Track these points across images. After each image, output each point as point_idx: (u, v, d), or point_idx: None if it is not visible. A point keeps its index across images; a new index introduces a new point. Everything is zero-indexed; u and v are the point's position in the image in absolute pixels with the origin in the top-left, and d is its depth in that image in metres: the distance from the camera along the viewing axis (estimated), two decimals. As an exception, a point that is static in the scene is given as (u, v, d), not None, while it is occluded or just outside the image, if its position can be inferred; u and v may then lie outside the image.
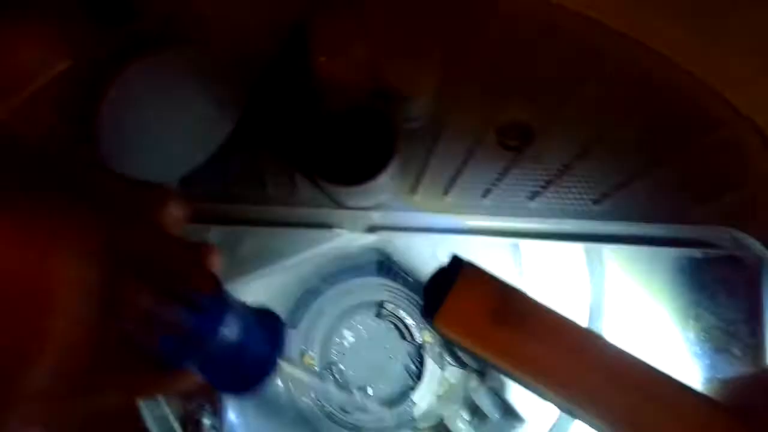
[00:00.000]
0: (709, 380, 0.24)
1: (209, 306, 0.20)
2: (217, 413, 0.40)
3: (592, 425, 0.21)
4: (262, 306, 0.23)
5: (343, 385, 0.53)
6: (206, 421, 0.39)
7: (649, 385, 0.20)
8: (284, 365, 0.23)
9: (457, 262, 0.21)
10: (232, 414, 0.40)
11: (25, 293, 0.14)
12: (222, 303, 0.20)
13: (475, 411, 0.47)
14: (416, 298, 0.51)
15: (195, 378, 0.21)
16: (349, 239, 0.42)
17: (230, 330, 0.20)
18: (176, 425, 0.39)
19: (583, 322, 0.39)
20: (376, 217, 0.38)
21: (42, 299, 0.15)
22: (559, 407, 0.22)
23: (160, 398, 0.39)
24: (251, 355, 0.21)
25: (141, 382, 0.20)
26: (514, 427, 0.39)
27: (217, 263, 0.22)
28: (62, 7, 0.34)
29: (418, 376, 0.52)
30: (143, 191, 0.21)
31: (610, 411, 0.20)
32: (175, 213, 0.21)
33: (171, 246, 0.20)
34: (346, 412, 0.52)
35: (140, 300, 0.18)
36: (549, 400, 0.21)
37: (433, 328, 0.21)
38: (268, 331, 0.22)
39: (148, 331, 0.18)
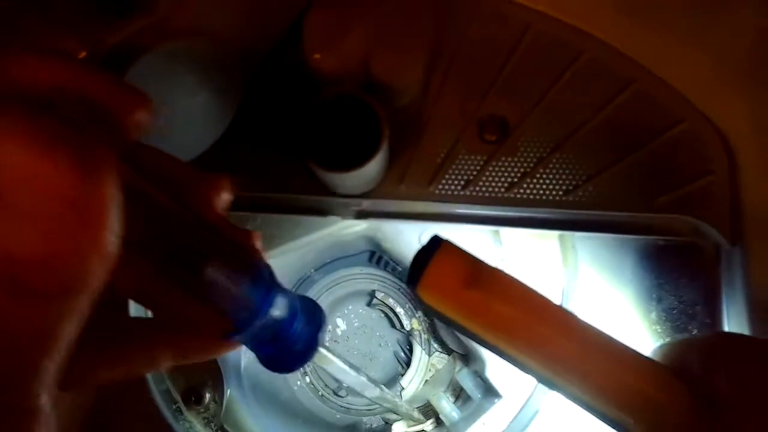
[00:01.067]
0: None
1: (266, 286, 0.21)
2: (218, 388, 0.42)
3: (550, 384, 0.23)
4: (302, 295, 0.25)
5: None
6: (207, 395, 0.42)
7: (596, 340, 0.23)
8: (322, 349, 0.25)
9: (436, 240, 0.23)
10: (231, 389, 0.42)
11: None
12: (275, 285, 0.22)
13: (459, 393, 0.50)
14: (405, 287, 0.54)
15: (236, 346, 0.23)
16: (340, 227, 0.44)
17: (280, 311, 0.22)
18: (179, 398, 0.42)
19: (557, 301, 0.42)
20: (366, 204, 0.40)
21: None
22: (523, 369, 0.24)
23: (164, 373, 0.42)
24: (297, 336, 0.23)
25: (191, 346, 0.22)
26: (492, 403, 0.42)
27: (260, 247, 0.23)
28: (76, 1, 0.36)
29: (407, 362, 0.55)
30: (203, 176, 0.22)
31: (563, 362, 0.22)
32: (226, 198, 0.22)
33: (232, 229, 0.22)
34: (339, 395, 0.55)
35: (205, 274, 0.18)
36: (513, 363, 0.24)
37: (416, 295, 0.23)
38: (310, 315, 0.24)
39: (208, 303, 0.19)
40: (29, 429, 0.14)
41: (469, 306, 0.22)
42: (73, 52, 0.42)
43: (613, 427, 0.23)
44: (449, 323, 0.24)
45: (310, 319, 0.24)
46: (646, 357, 0.23)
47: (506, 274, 0.23)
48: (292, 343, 0.23)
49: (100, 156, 0.14)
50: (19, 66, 0.16)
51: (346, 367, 0.30)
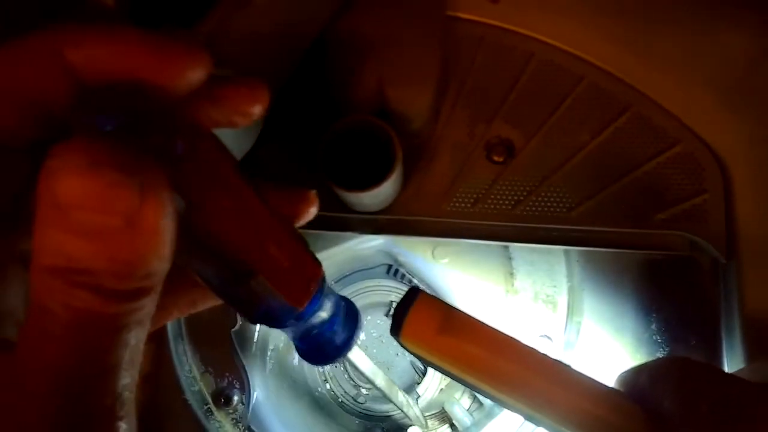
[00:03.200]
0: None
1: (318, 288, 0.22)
2: (245, 391, 0.45)
3: (524, 416, 0.26)
4: (342, 295, 0.26)
5: (355, 380, 0.58)
6: (235, 397, 0.45)
7: (557, 373, 0.25)
8: (356, 348, 0.27)
9: (413, 293, 0.26)
10: (258, 392, 0.46)
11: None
12: (324, 286, 0.23)
13: (474, 398, 0.52)
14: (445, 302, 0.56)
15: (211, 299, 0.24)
16: (359, 242, 0.47)
17: (326, 312, 0.23)
18: (209, 399, 0.45)
19: (562, 314, 0.44)
20: (383, 221, 0.43)
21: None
22: (498, 404, 0.27)
23: (197, 375, 0.45)
24: (336, 334, 0.24)
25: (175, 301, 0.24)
26: (502, 409, 0.44)
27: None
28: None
29: (423, 371, 0.57)
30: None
31: (528, 396, 0.25)
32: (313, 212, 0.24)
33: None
34: (358, 402, 0.57)
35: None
36: (488, 397, 0.26)
37: (399, 343, 0.26)
38: (349, 315, 0.25)
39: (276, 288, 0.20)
40: (115, 415, 0.16)
41: (443, 350, 0.25)
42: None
43: None
44: (431, 366, 0.26)
45: (349, 318, 0.25)
46: (602, 384, 0.25)
47: (475, 319, 0.26)
48: (330, 339, 0.24)
49: (152, 176, 0.15)
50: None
51: (372, 365, 0.33)
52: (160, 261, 0.16)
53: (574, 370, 0.25)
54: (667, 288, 0.40)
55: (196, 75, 0.17)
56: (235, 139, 0.39)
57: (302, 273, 0.21)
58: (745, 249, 0.38)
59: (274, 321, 0.22)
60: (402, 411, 0.48)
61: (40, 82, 0.16)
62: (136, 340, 0.16)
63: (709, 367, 0.24)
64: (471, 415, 0.50)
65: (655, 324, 0.40)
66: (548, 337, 0.44)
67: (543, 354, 0.25)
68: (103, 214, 0.14)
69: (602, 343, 0.42)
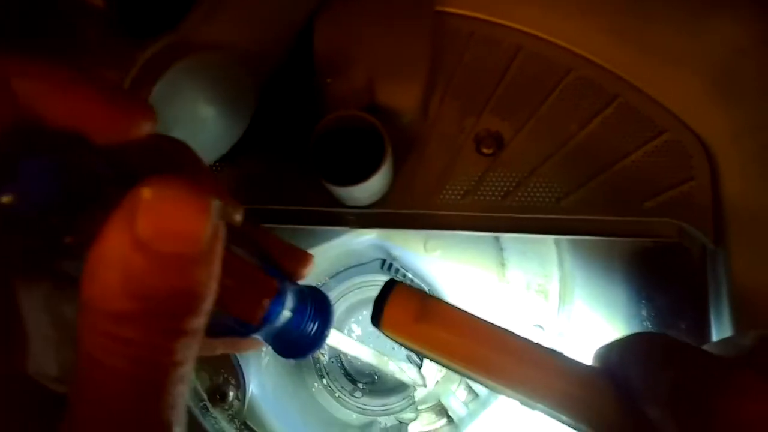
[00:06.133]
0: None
1: (280, 292, 0.23)
2: (241, 387, 0.46)
3: (504, 394, 0.26)
4: (309, 285, 0.27)
5: (352, 375, 0.58)
6: (231, 393, 0.45)
7: (529, 353, 0.26)
8: (334, 333, 0.28)
9: (391, 283, 0.27)
10: (253, 388, 0.46)
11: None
12: (286, 288, 0.24)
13: (469, 390, 0.52)
14: (422, 290, 0.57)
15: (258, 343, 0.26)
16: (351, 236, 0.48)
17: (292, 309, 0.24)
18: (205, 396, 0.45)
19: (554, 303, 0.44)
20: (374, 214, 0.43)
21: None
22: (478, 383, 0.27)
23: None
24: (308, 327, 0.26)
25: (214, 344, 0.25)
26: (496, 398, 0.44)
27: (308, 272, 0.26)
28: (103, 27, 0.37)
29: (419, 364, 0.57)
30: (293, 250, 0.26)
31: (504, 376, 0.25)
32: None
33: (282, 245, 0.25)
34: (355, 396, 0.58)
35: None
36: (468, 378, 0.27)
37: (380, 330, 0.27)
38: (319, 305, 0.26)
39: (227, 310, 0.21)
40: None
41: (420, 337, 0.26)
42: (105, 76, 0.46)
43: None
44: (414, 352, 0.28)
45: (320, 309, 0.26)
46: (574, 361, 0.26)
47: (450, 305, 0.27)
48: (302, 333, 0.25)
49: (218, 213, 0.16)
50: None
51: (355, 344, 0.33)
52: (213, 294, 0.16)
53: (547, 349, 0.26)
54: (657, 274, 0.41)
55: (139, 132, 0.17)
56: (222, 132, 0.39)
57: (253, 291, 0.22)
58: (732, 234, 0.38)
59: (236, 334, 0.23)
60: (398, 377, 0.48)
61: None
62: (189, 377, 0.17)
63: (675, 342, 0.24)
64: (467, 406, 0.50)
65: (646, 310, 0.41)
66: (541, 327, 0.44)
67: (516, 335, 0.26)
68: (187, 244, 0.15)
69: (594, 330, 0.43)
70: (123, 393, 0.15)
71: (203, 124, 0.38)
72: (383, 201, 0.42)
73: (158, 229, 0.15)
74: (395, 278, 0.57)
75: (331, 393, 0.57)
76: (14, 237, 0.15)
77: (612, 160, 0.40)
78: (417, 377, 0.49)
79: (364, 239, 0.48)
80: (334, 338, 0.30)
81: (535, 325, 0.45)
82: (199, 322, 0.16)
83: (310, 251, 0.47)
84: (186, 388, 0.17)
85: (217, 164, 0.43)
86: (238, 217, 0.20)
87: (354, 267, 0.59)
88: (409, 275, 0.56)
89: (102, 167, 0.16)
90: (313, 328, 0.26)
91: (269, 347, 0.26)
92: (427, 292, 0.53)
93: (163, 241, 0.15)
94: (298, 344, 0.26)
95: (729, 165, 0.39)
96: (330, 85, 0.40)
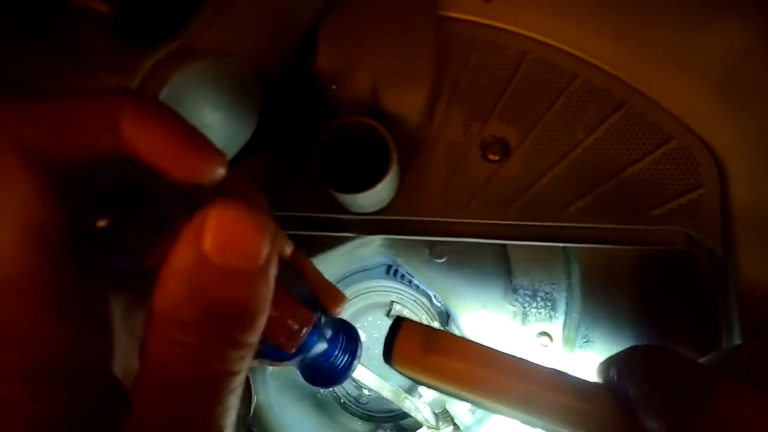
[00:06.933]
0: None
1: (317, 326, 0.25)
2: (247, 393, 0.45)
3: (504, 414, 0.27)
4: (341, 318, 0.29)
5: (357, 381, 0.58)
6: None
7: (533, 374, 0.27)
8: (360, 367, 0.29)
9: (398, 321, 0.29)
10: (258, 394, 0.46)
11: None
12: (322, 320, 0.25)
13: (474, 399, 0.52)
14: (420, 298, 0.56)
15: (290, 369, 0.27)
16: (357, 243, 0.47)
17: (326, 340, 0.26)
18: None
19: (562, 311, 0.44)
20: (380, 221, 0.43)
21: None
22: (487, 410, 0.28)
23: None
24: (338, 359, 0.27)
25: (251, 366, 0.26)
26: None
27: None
28: (108, 33, 0.38)
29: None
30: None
31: (512, 399, 0.26)
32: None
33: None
34: (360, 403, 0.58)
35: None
36: (477, 405, 0.28)
37: (392, 367, 0.28)
38: (349, 338, 0.28)
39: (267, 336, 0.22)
40: None
41: (431, 368, 0.27)
42: (111, 84, 0.46)
43: None
44: (424, 384, 0.29)
45: (350, 342, 0.28)
46: (578, 378, 0.27)
47: (456, 336, 0.28)
48: (332, 364, 0.27)
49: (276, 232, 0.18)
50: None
51: (376, 378, 0.34)
52: (266, 312, 0.18)
53: (550, 368, 0.27)
54: (665, 283, 0.40)
55: (214, 178, 0.20)
56: (227, 137, 0.39)
57: (293, 321, 0.23)
58: (741, 242, 0.38)
59: (271, 359, 0.24)
60: (413, 416, 0.49)
61: (93, 132, 0.18)
62: (240, 390, 0.18)
63: (669, 354, 0.25)
64: (472, 413, 0.50)
65: (654, 318, 0.40)
66: (548, 335, 0.44)
67: (519, 358, 0.27)
68: (247, 260, 0.17)
69: (601, 339, 0.42)
70: (181, 396, 0.17)
71: (208, 130, 0.38)
72: (389, 207, 0.42)
73: (222, 246, 0.16)
74: (397, 287, 0.58)
75: (337, 399, 0.57)
76: (105, 255, 0.17)
77: (619, 168, 0.40)
78: (431, 417, 0.49)
79: (369, 245, 0.48)
80: (358, 371, 0.31)
81: (541, 333, 0.45)
82: (253, 337, 0.18)
83: (316, 258, 0.48)
84: (237, 400, 0.18)
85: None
86: (288, 249, 0.22)
87: (359, 272, 0.59)
88: (415, 281, 0.55)
89: (175, 199, 0.18)
90: (342, 360, 0.27)
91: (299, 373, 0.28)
92: (432, 299, 0.53)
93: (225, 256, 0.16)
94: (327, 374, 0.27)
95: (737, 172, 0.39)
96: (334, 90, 0.40)
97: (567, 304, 0.43)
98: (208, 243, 0.16)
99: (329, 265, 0.53)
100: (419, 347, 0.27)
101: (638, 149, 0.40)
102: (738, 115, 0.39)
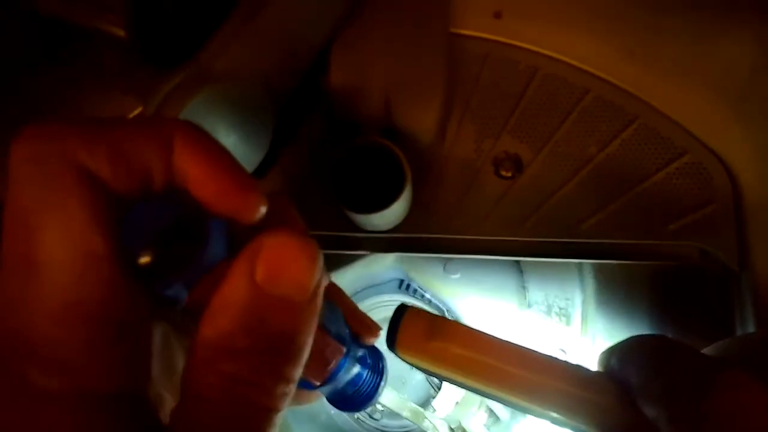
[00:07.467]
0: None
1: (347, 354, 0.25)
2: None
3: (517, 408, 0.27)
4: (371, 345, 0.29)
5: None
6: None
7: (538, 363, 0.26)
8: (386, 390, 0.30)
9: (402, 308, 0.28)
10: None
11: None
12: (351, 351, 0.26)
13: (490, 413, 0.52)
14: (432, 312, 0.56)
15: (318, 395, 0.27)
16: (371, 259, 0.48)
17: (355, 367, 0.26)
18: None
19: (576, 326, 0.44)
20: (394, 239, 0.43)
21: None
22: (491, 398, 0.28)
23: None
24: (365, 385, 0.27)
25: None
26: (517, 422, 0.44)
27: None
28: (126, 57, 0.38)
29: (438, 385, 0.57)
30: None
31: (515, 387, 0.26)
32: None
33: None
34: (374, 419, 0.57)
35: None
36: (481, 394, 0.28)
37: (395, 354, 0.28)
38: (376, 364, 0.28)
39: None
40: None
41: (434, 354, 0.27)
42: (130, 108, 0.47)
43: None
44: (427, 373, 0.28)
45: (376, 367, 0.28)
46: (580, 366, 0.26)
47: (460, 323, 0.28)
48: (358, 390, 0.27)
49: (319, 260, 0.18)
50: None
51: (397, 399, 0.34)
52: (309, 346, 0.18)
53: (551, 357, 0.26)
54: (680, 299, 0.40)
55: (255, 217, 0.19)
56: (242, 158, 0.39)
57: (322, 355, 0.24)
58: (757, 258, 0.38)
59: (300, 386, 0.24)
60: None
61: (148, 160, 0.18)
62: (278, 428, 0.18)
63: (670, 342, 0.24)
64: (488, 429, 0.50)
65: (669, 334, 0.40)
66: (563, 351, 0.44)
67: (521, 346, 0.27)
68: (299, 290, 0.17)
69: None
70: (222, 430, 0.16)
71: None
72: (402, 225, 0.42)
73: (274, 275, 0.17)
74: (409, 302, 0.58)
75: (350, 415, 0.57)
76: (151, 287, 0.17)
77: (632, 183, 0.40)
78: None
79: (383, 261, 0.48)
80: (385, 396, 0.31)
81: (556, 349, 0.44)
82: (297, 372, 0.18)
83: (330, 274, 0.48)
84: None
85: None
86: (325, 280, 0.21)
87: (372, 287, 0.59)
88: (428, 296, 0.55)
89: (222, 235, 0.18)
90: (369, 386, 0.27)
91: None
92: (445, 313, 0.53)
93: (277, 285, 0.17)
94: (354, 400, 0.27)
95: (751, 186, 0.38)
96: (345, 109, 0.40)
97: (582, 319, 0.43)
98: (262, 273, 0.17)
99: (341, 280, 0.54)
100: (423, 334, 0.27)
101: (651, 164, 0.40)
102: (751, 128, 0.39)
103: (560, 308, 0.44)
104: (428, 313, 0.28)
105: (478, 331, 0.27)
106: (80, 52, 0.40)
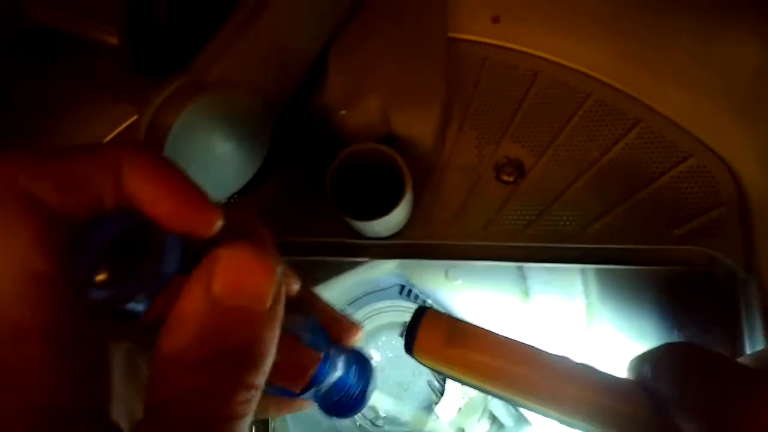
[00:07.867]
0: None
1: (328, 359, 0.25)
2: (264, 421, 0.45)
3: (539, 413, 0.26)
4: (353, 348, 0.29)
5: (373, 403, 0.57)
6: (253, 428, 0.45)
7: (562, 369, 0.26)
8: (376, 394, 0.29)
9: (421, 310, 0.28)
10: (275, 422, 0.45)
11: None
12: (330, 356, 0.26)
13: (494, 420, 0.51)
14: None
15: (308, 403, 0.27)
16: (371, 266, 0.47)
17: (338, 371, 0.26)
18: None
19: (581, 333, 0.43)
20: (394, 245, 0.43)
21: None
22: (514, 404, 0.27)
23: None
24: (352, 389, 0.27)
25: (267, 405, 0.26)
26: (522, 430, 0.43)
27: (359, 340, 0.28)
28: (120, 66, 0.38)
29: (441, 391, 0.56)
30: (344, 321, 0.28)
31: (538, 394, 0.25)
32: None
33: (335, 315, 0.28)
34: (376, 425, 0.57)
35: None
36: (503, 399, 0.27)
37: (414, 358, 0.27)
38: (362, 367, 0.28)
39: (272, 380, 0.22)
40: None
41: (453, 360, 0.26)
42: (124, 116, 0.46)
43: None
44: (446, 376, 0.27)
45: (363, 371, 0.27)
46: (610, 375, 0.26)
47: (480, 328, 0.27)
48: (346, 394, 0.27)
49: (277, 271, 0.18)
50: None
51: (393, 405, 0.34)
52: (273, 355, 0.19)
53: (580, 364, 0.26)
54: (687, 304, 0.40)
55: (210, 232, 0.20)
56: (239, 166, 0.39)
57: (297, 363, 0.24)
58: (764, 261, 0.37)
59: (284, 395, 0.25)
60: None
61: (98, 186, 0.18)
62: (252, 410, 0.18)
63: (705, 353, 0.24)
64: (492, 436, 0.49)
65: (678, 339, 0.40)
66: (567, 357, 0.43)
67: (547, 353, 0.26)
68: (256, 301, 0.18)
69: (623, 361, 0.42)
70: None
71: (220, 159, 0.38)
72: (403, 231, 0.42)
73: (230, 286, 0.17)
74: (423, 305, 0.57)
75: (353, 421, 0.56)
76: (108, 305, 0.18)
77: (637, 187, 0.39)
78: None
79: (383, 267, 0.48)
80: (375, 397, 0.31)
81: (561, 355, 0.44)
82: (260, 379, 0.18)
83: (329, 281, 0.48)
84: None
85: (235, 197, 0.43)
86: (295, 287, 0.22)
87: (373, 293, 0.58)
88: (429, 302, 0.55)
89: (176, 250, 0.18)
90: (356, 390, 0.27)
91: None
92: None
93: (233, 297, 0.17)
94: (343, 405, 0.27)
95: (757, 189, 0.38)
96: (344, 116, 0.39)
97: (586, 325, 0.43)
98: (218, 284, 0.17)
99: (342, 287, 0.53)
100: (441, 339, 0.26)
101: (655, 168, 0.39)
102: (755, 131, 0.38)
103: (564, 314, 0.43)
104: (448, 316, 0.28)
105: (499, 335, 0.27)
106: (75, 62, 0.40)
